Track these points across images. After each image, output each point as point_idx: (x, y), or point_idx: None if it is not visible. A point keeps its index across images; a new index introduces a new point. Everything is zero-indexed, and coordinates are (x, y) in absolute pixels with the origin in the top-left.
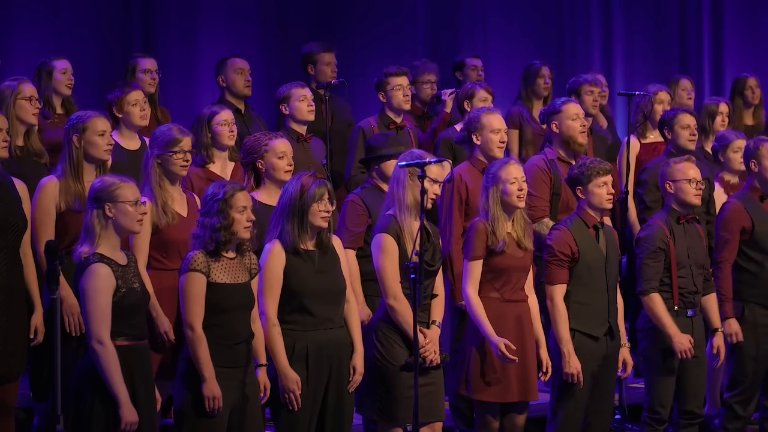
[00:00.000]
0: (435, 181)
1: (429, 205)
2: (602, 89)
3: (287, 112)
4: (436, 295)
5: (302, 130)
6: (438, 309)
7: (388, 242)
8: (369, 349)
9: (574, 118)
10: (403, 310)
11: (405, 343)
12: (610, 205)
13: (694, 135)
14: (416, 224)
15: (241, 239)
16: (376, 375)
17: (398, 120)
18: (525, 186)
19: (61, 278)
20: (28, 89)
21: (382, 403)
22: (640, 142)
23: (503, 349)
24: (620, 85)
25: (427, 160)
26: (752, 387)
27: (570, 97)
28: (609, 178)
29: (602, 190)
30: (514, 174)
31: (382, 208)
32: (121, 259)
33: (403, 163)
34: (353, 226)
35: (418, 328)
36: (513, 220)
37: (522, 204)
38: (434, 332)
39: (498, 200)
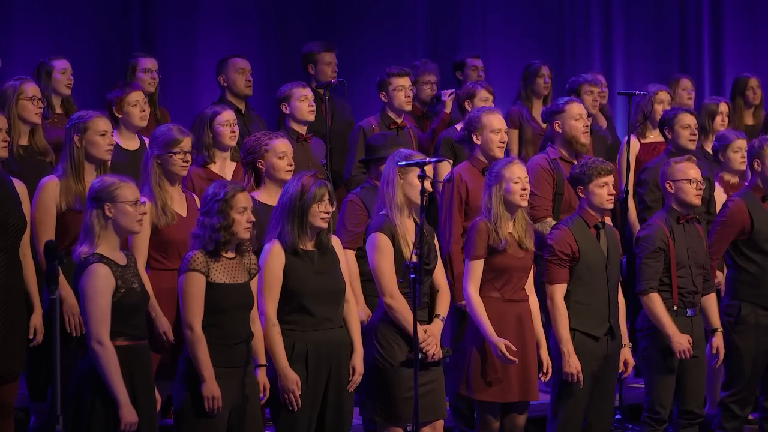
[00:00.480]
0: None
1: (420, 201)
2: (602, 89)
3: (287, 112)
4: (437, 291)
5: (302, 129)
6: (442, 303)
7: (383, 241)
8: (369, 350)
9: (577, 118)
10: (401, 308)
11: (405, 342)
12: (610, 206)
13: (694, 135)
14: (410, 222)
15: (241, 240)
16: (377, 375)
17: (399, 120)
18: (528, 186)
19: (62, 278)
20: (31, 89)
21: (382, 404)
22: (640, 141)
23: (503, 349)
24: (620, 85)
25: (427, 160)
26: (749, 387)
27: (571, 96)
28: (610, 179)
29: (603, 191)
30: (518, 173)
31: (374, 208)
32: (121, 259)
33: (403, 163)
34: (352, 226)
35: (417, 324)
36: (515, 220)
37: (525, 203)
38: (436, 326)
39: (501, 199)
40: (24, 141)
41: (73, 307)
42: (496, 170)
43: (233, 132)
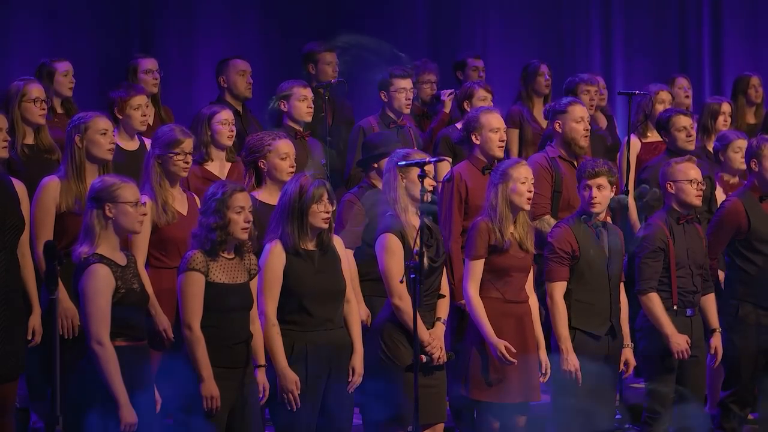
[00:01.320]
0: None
1: (421, 200)
2: (599, 88)
3: (285, 110)
4: (443, 296)
5: (299, 128)
6: (443, 307)
7: (393, 242)
8: (374, 350)
9: (578, 121)
10: (409, 309)
11: (411, 343)
12: (592, 209)
13: (690, 136)
14: (417, 220)
15: (238, 239)
16: (381, 376)
17: (398, 120)
18: (533, 189)
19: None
20: (35, 90)
21: (387, 405)
22: (641, 141)
23: (503, 350)
24: (620, 84)
25: (426, 159)
26: (749, 386)
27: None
28: (598, 181)
29: (585, 193)
30: (525, 174)
31: (379, 211)
32: (121, 259)
33: (403, 163)
34: (350, 226)
35: (423, 327)
36: (516, 222)
37: (528, 206)
38: (439, 329)
39: (506, 198)
40: (30, 140)
41: (68, 309)
42: (503, 169)
43: (231, 131)
